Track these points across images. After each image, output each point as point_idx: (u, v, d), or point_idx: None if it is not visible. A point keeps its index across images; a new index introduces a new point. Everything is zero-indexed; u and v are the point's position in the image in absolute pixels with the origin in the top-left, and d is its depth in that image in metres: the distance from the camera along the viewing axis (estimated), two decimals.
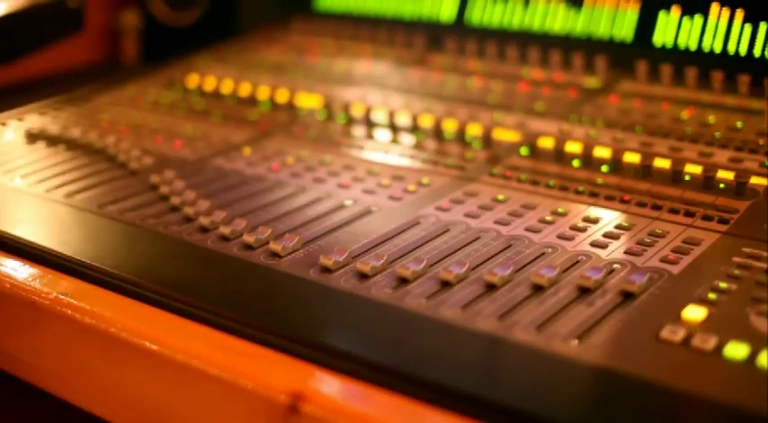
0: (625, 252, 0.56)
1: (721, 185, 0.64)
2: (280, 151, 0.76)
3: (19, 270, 0.58)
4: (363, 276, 0.53)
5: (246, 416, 0.47)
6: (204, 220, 0.61)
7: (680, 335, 0.46)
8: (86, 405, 0.56)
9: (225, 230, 0.59)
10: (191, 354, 0.49)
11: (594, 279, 0.51)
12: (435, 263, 0.55)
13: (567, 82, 0.86)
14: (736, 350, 0.44)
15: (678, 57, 0.83)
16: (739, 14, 0.81)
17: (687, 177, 0.65)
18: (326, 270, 0.55)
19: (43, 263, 0.59)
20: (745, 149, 0.69)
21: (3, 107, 0.88)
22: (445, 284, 0.52)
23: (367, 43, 1.01)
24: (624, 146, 0.71)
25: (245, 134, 0.81)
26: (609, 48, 0.88)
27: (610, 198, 0.64)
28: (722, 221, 0.59)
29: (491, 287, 0.52)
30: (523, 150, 0.72)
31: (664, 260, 0.55)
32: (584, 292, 0.51)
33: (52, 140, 0.80)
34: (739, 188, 0.63)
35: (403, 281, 0.53)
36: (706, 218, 0.60)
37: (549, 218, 0.61)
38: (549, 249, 0.57)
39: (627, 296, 0.50)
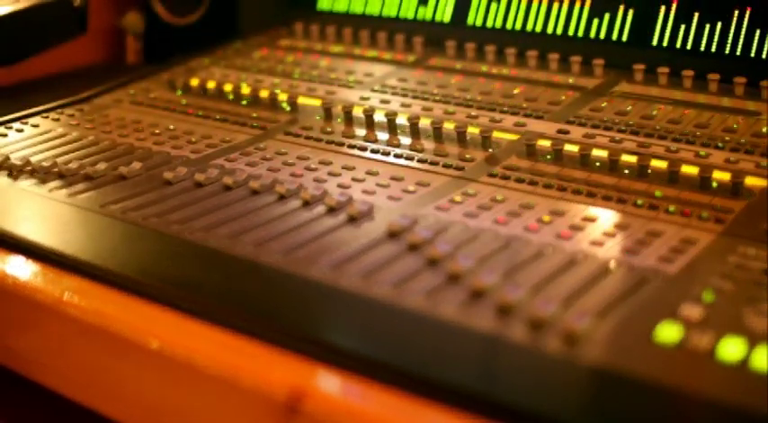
0: (622, 251, 0.56)
1: (716, 185, 0.64)
2: (280, 151, 0.77)
3: (22, 268, 0.59)
4: (364, 275, 0.54)
5: (247, 414, 0.47)
6: (205, 220, 0.62)
7: (676, 334, 0.46)
8: (88, 402, 0.57)
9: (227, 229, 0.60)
10: (192, 352, 0.49)
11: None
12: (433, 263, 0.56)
13: (565, 83, 0.86)
14: (732, 350, 0.45)
15: (675, 58, 0.84)
16: (736, 16, 0.81)
17: (684, 177, 0.66)
18: (331, 267, 0.55)
19: (46, 261, 0.59)
20: (741, 150, 0.69)
21: (6, 108, 0.89)
22: (446, 283, 0.53)
23: (367, 43, 1.01)
24: (621, 147, 0.71)
25: (246, 134, 0.81)
26: (606, 49, 0.88)
27: (607, 198, 0.64)
28: (718, 222, 0.60)
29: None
30: (522, 151, 0.73)
31: (660, 259, 0.55)
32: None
33: (54, 140, 0.81)
34: (735, 188, 0.63)
35: (402, 279, 0.53)
36: (702, 218, 0.61)
37: (546, 218, 0.62)
38: (548, 249, 0.57)
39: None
